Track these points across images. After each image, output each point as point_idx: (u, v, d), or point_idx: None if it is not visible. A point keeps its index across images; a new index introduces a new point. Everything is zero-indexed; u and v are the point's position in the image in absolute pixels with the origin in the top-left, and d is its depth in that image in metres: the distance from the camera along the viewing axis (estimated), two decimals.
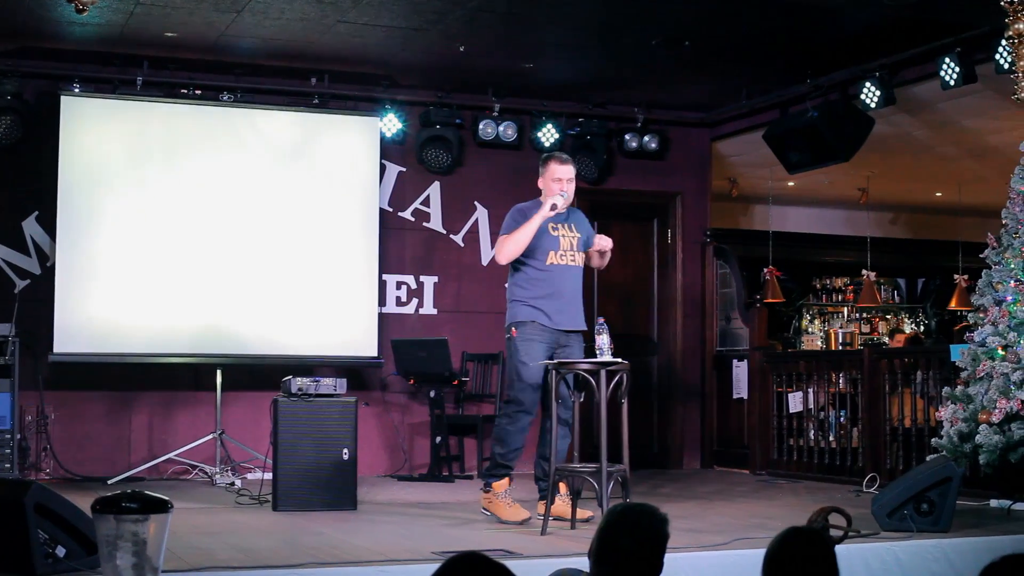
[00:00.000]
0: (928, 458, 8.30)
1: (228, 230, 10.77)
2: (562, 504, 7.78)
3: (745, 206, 16.01)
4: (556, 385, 7.48)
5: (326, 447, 8.56)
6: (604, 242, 8.25)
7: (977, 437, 8.27)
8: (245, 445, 10.62)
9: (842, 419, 11.14)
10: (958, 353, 8.93)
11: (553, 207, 7.90)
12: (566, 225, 8.15)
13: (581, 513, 7.64)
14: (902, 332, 16.96)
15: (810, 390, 11.31)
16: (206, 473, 10.51)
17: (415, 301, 11.75)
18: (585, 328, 8.14)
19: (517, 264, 8.05)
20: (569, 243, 8.10)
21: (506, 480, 7.96)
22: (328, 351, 11.01)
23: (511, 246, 7.97)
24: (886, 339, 17.24)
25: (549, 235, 8.04)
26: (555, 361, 7.61)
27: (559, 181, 8.04)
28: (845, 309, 17.58)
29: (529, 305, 7.99)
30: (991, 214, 9.79)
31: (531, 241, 7.94)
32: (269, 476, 8.77)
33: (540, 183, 8.17)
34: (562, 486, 7.90)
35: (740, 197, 15.13)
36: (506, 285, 8.23)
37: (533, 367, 7.87)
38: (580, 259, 8.17)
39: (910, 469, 8.70)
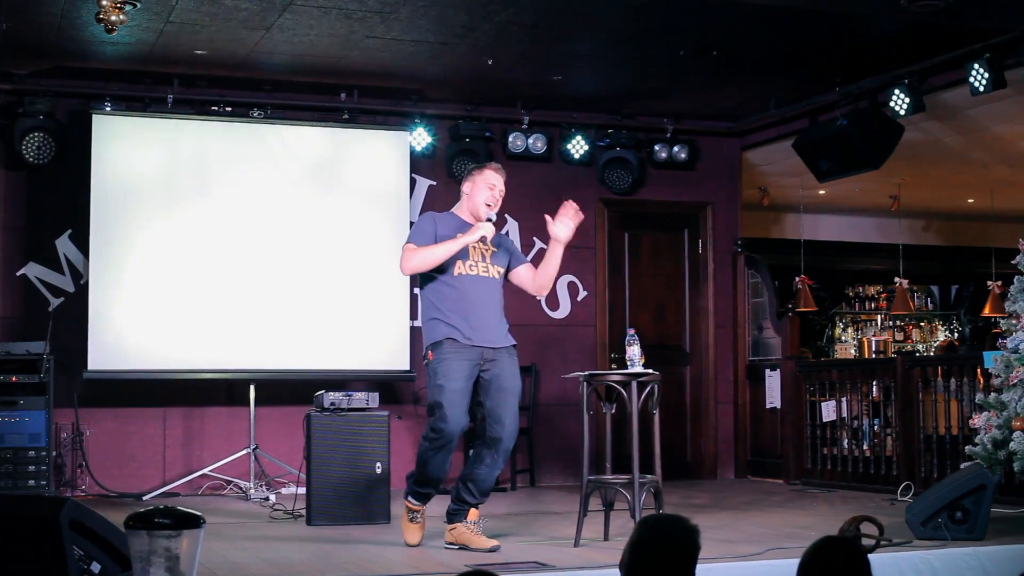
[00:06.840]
0: (962, 466, 8.25)
1: (259, 245, 10.81)
2: (465, 531, 7.20)
3: (776, 215, 15.97)
4: (587, 397, 7.46)
5: (359, 461, 8.60)
6: (565, 226, 7.25)
7: (1011, 444, 8.20)
8: (279, 460, 10.65)
9: (876, 427, 11.10)
10: (991, 360, 8.87)
11: (483, 239, 7.17)
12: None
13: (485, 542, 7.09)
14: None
15: (843, 399, 11.27)
16: (240, 488, 10.54)
17: None
18: (510, 344, 7.46)
19: (425, 277, 7.25)
20: (480, 254, 7.29)
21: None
22: (360, 365, 11.02)
23: (419, 261, 7.11)
24: (920, 347, 17.17)
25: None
26: (586, 373, 7.52)
27: (492, 187, 7.27)
28: (878, 317, 17.50)
29: (444, 322, 7.15)
30: None
31: None
32: (303, 491, 8.82)
33: (466, 187, 7.36)
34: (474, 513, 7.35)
35: (771, 206, 15.09)
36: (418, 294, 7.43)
37: (453, 388, 7.14)
38: (494, 272, 7.34)
39: (944, 477, 8.67)
